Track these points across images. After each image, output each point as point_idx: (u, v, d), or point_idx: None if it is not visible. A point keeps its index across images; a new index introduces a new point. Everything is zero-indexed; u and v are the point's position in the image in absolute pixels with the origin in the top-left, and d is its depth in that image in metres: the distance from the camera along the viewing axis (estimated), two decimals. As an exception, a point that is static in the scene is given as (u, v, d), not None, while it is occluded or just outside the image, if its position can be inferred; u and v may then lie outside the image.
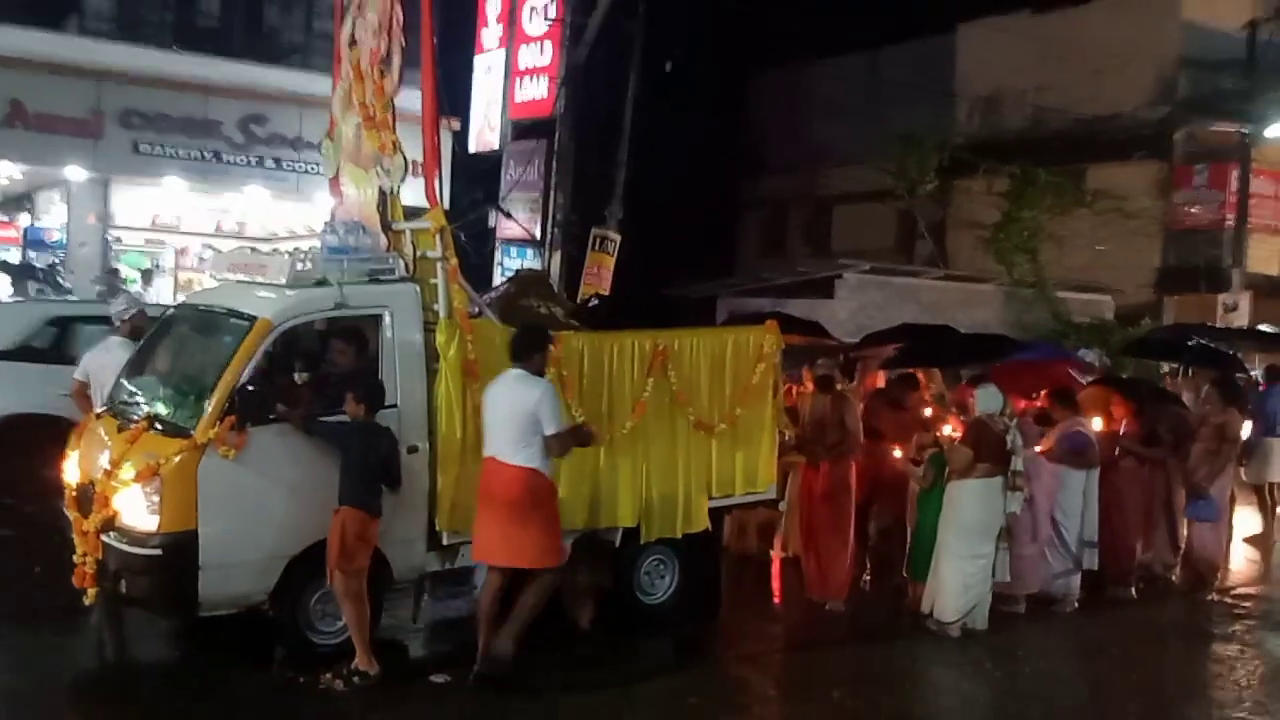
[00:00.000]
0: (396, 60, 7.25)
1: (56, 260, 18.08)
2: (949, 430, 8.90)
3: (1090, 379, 11.02)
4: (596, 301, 12.03)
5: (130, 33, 18.96)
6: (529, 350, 6.66)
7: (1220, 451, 10.31)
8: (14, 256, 18.10)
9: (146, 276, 18.69)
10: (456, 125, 19.71)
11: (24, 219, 20.05)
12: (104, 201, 18.61)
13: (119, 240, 19.43)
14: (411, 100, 7.30)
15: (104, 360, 8.20)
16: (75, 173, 17.97)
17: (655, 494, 7.72)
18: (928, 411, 9.78)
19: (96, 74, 17.66)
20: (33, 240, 18.77)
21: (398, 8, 7.27)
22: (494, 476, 6.55)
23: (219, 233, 20.41)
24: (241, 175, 18.92)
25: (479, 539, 6.68)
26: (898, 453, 9.07)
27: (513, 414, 6.49)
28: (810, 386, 9.43)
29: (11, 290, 15.54)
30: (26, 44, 17.17)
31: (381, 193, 7.40)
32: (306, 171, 18.57)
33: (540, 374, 6.65)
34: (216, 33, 20.47)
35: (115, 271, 17.94)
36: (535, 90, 19.50)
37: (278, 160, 19.07)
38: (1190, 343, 12.97)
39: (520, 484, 6.48)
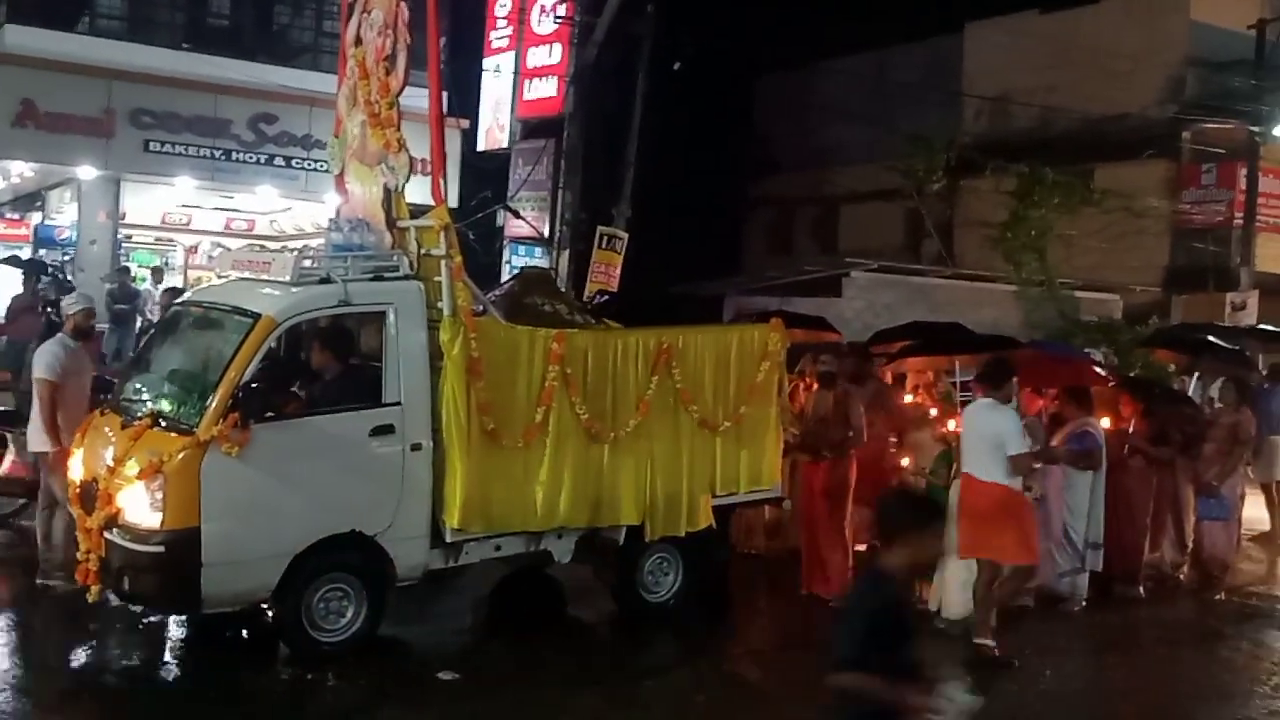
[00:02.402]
0: (401, 58, 7.26)
1: (65, 257, 18.15)
2: (954, 426, 8.86)
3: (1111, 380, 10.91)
4: (604, 298, 12.03)
5: (141, 32, 19.03)
6: (997, 380, 7.62)
7: (1233, 451, 10.29)
8: (25, 253, 18.16)
9: (156, 274, 18.74)
10: (465, 124, 19.78)
11: (35, 217, 20.14)
12: (114, 199, 18.72)
13: (129, 238, 19.56)
14: (419, 99, 7.32)
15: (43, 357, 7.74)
16: (86, 171, 18.07)
17: (659, 492, 7.71)
18: (933, 411, 9.74)
19: (107, 73, 17.77)
20: (43, 238, 18.86)
21: (403, 6, 7.28)
22: (969, 491, 7.63)
23: (228, 231, 20.53)
24: (251, 174, 19.01)
25: (962, 539, 7.70)
26: (905, 460, 9.01)
27: (982, 438, 7.51)
28: (814, 383, 9.39)
29: (22, 286, 15.56)
30: (38, 43, 17.30)
31: (386, 190, 7.41)
32: (316, 170, 18.59)
33: (1008, 400, 7.63)
34: (227, 32, 20.53)
35: (125, 269, 18.00)
36: (544, 90, 19.54)
37: (287, 159, 19.14)
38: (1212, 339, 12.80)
39: (991, 498, 7.48)
